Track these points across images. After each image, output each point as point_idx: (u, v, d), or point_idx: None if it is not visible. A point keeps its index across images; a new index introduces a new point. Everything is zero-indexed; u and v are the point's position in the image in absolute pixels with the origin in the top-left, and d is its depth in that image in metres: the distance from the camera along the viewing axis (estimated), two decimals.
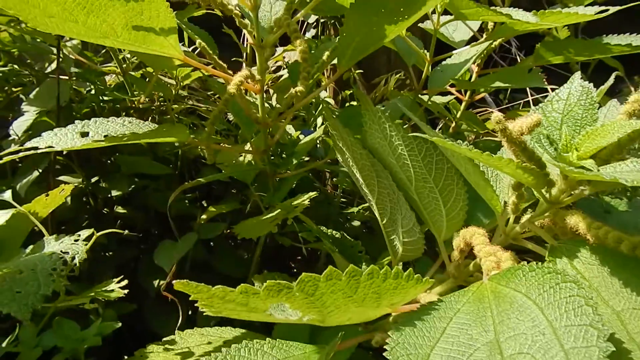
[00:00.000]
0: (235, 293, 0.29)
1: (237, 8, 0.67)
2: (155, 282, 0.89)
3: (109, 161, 1.01)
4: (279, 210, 0.68)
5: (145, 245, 1.02)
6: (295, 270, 1.19)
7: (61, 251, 0.49)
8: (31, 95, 0.84)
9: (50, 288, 0.45)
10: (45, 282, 0.45)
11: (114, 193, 0.88)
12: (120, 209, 0.94)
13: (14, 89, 1.07)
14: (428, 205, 0.50)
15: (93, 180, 0.90)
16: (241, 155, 0.93)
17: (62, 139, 0.59)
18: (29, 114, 0.77)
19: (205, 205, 1.13)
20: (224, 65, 0.68)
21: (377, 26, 0.66)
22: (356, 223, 1.09)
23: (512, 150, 0.37)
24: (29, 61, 1.13)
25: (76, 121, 0.64)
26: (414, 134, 0.40)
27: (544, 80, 0.74)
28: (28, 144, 0.57)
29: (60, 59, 1.13)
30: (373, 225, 0.95)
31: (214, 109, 0.59)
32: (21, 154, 0.55)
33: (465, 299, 0.36)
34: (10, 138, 0.79)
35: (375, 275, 0.33)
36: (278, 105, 1.01)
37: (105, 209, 0.93)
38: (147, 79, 1.19)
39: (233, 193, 1.14)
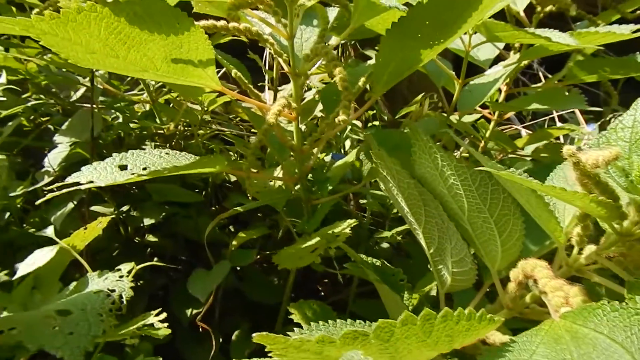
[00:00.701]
0: (312, 343, 0.28)
1: (271, 37, 0.67)
2: (188, 311, 0.88)
3: (135, 189, 1.01)
4: (318, 239, 0.67)
5: (175, 273, 1.01)
6: (322, 294, 1.18)
7: (108, 289, 0.48)
8: (63, 127, 0.84)
9: (100, 328, 0.44)
10: (95, 322, 0.44)
11: (147, 222, 0.87)
12: (151, 237, 0.93)
13: (41, 119, 1.08)
14: (481, 236, 0.49)
15: (124, 209, 0.90)
16: (271, 181, 0.93)
17: (102, 173, 0.59)
18: (62, 146, 0.77)
19: (232, 230, 1.12)
20: (259, 94, 0.68)
21: (413, 51, 0.66)
22: (385, 245, 1.08)
23: (583, 182, 0.36)
24: (54, 90, 1.14)
25: (114, 154, 0.64)
26: (479, 168, 0.39)
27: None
28: (69, 179, 0.57)
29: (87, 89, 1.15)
30: (409, 250, 0.93)
31: (254, 140, 0.59)
32: (64, 191, 0.54)
33: (539, 340, 0.34)
34: (44, 170, 0.79)
35: (449, 317, 0.32)
36: (304, 129, 1.01)
37: (136, 238, 0.93)
38: (170, 105, 1.20)
39: (259, 217, 1.14)
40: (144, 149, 1.17)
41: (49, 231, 0.62)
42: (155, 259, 1.01)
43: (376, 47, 1.13)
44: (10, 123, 0.84)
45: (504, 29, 0.68)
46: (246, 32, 0.63)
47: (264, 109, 0.68)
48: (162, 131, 1.12)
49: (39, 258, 0.54)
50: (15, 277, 0.55)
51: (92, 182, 0.56)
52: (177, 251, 1.01)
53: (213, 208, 1.12)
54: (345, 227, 0.66)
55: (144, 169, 0.62)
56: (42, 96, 1.09)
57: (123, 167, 0.62)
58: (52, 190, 0.59)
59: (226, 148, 1.22)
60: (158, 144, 1.16)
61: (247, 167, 0.59)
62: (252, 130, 1.28)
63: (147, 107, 1.15)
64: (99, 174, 0.59)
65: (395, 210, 1.06)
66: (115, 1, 0.50)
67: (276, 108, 0.60)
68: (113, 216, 0.76)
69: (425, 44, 0.64)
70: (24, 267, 0.54)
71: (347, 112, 0.54)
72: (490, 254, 0.49)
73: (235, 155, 1.22)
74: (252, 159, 0.59)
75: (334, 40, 1.36)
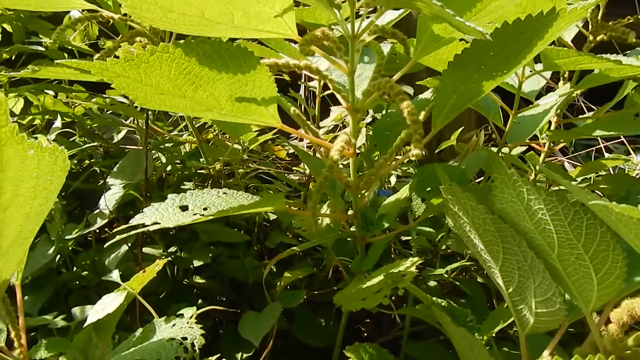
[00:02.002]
0: None
1: (332, 74, 0.66)
2: (238, 355, 0.85)
3: (173, 231, 1.00)
4: (381, 278, 0.64)
5: (220, 315, 0.99)
6: (365, 334, 1.14)
7: (179, 336, 0.46)
8: (114, 169, 0.84)
9: None
10: None
11: (196, 263, 0.86)
12: (198, 279, 0.92)
13: (89, 161, 1.09)
14: (573, 274, 0.46)
15: (172, 250, 0.89)
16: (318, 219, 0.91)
17: (165, 214, 0.58)
18: (116, 188, 0.77)
19: (274, 270, 1.10)
20: (317, 131, 0.67)
21: (475, 83, 0.65)
22: (432, 283, 1.04)
23: None
24: (97, 132, 1.16)
25: (173, 194, 0.63)
26: (573, 200, 0.37)
27: None
28: (133, 221, 0.56)
29: (131, 129, 1.16)
30: (466, 288, 0.90)
31: (318, 178, 0.57)
32: (133, 232, 0.53)
33: None
34: (97, 211, 0.79)
35: None
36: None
37: (185, 280, 0.91)
38: (210, 143, 1.20)
39: (299, 256, 1.12)
40: (184, 189, 1.17)
41: (114, 275, 0.61)
42: (200, 300, 0.99)
43: (417, 82, 1.13)
44: None
45: (567, 54, 0.66)
46: (306, 69, 0.62)
47: (323, 145, 0.68)
48: (202, 170, 1.12)
49: (109, 304, 0.53)
50: (87, 323, 0.53)
51: (157, 223, 0.55)
52: (223, 292, 0.98)
53: (255, 248, 1.10)
54: (410, 265, 0.63)
55: (205, 209, 0.61)
56: (85, 139, 1.11)
57: (184, 208, 0.61)
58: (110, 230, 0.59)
59: (267, 187, 1.21)
60: (197, 183, 1.16)
61: (312, 206, 0.57)
62: (294, 168, 1.28)
63: (188, 147, 1.16)
64: (162, 215, 0.58)
65: (444, 247, 1.03)
66: (187, 41, 0.50)
67: (339, 144, 0.59)
68: (169, 258, 0.75)
69: (488, 76, 0.63)
70: (94, 314, 0.52)
71: (420, 146, 0.52)
72: (584, 293, 0.46)
73: (273, 193, 1.21)
74: (318, 197, 0.58)
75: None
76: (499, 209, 0.49)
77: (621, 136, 1.29)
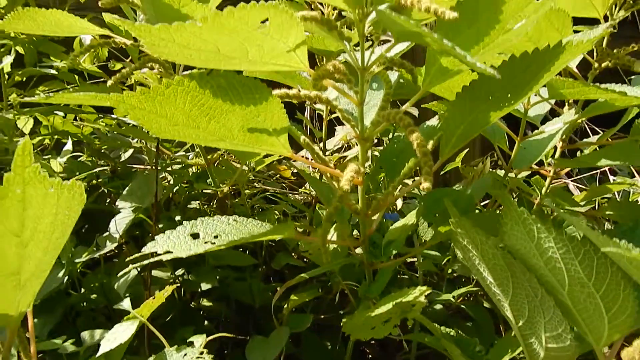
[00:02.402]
0: None
1: (340, 102, 0.67)
2: None
3: None
4: (390, 307, 0.65)
5: (226, 338, 0.99)
6: (370, 356, 1.14)
7: None
8: (124, 192, 0.85)
9: None
10: None
11: (204, 286, 0.86)
12: (205, 302, 0.92)
13: (96, 181, 1.09)
14: (584, 311, 0.46)
15: (179, 273, 0.89)
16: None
17: (177, 242, 0.58)
18: (125, 211, 0.78)
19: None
20: (326, 159, 0.67)
21: (483, 113, 0.65)
22: (438, 307, 1.04)
23: None
24: (104, 152, 1.17)
25: (184, 222, 0.64)
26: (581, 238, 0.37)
27: None
28: (146, 249, 0.57)
29: (141, 151, 1.17)
30: (471, 313, 0.90)
31: (329, 208, 0.58)
32: (146, 261, 0.54)
33: None
34: (106, 235, 0.79)
35: None
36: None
37: (192, 303, 0.91)
38: (216, 164, 1.21)
39: (306, 279, 1.12)
40: (190, 209, 1.17)
41: (126, 304, 0.61)
42: (206, 322, 0.99)
43: (422, 105, 1.13)
44: None
45: (572, 85, 0.67)
46: (316, 99, 0.63)
47: (332, 174, 0.68)
48: (208, 191, 1.12)
49: (121, 334, 0.53)
50: (99, 354, 0.53)
51: (169, 252, 0.55)
52: (229, 315, 0.98)
53: (260, 269, 1.10)
54: (419, 294, 0.63)
55: (216, 237, 0.62)
56: (93, 158, 1.12)
57: (195, 235, 0.61)
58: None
59: (273, 207, 1.22)
60: (203, 202, 1.17)
61: (324, 235, 0.58)
62: (301, 190, 1.29)
63: (195, 167, 1.17)
64: (173, 243, 0.58)
65: (450, 270, 1.03)
66: (201, 74, 0.51)
67: (349, 174, 0.60)
68: (178, 284, 0.75)
69: (496, 106, 0.64)
70: (107, 343, 0.53)
71: (430, 179, 0.53)
72: (595, 330, 0.46)
73: (278, 213, 1.22)
74: (329, 227, 0.58)
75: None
76: (508, 246, 0.50)
77: None
